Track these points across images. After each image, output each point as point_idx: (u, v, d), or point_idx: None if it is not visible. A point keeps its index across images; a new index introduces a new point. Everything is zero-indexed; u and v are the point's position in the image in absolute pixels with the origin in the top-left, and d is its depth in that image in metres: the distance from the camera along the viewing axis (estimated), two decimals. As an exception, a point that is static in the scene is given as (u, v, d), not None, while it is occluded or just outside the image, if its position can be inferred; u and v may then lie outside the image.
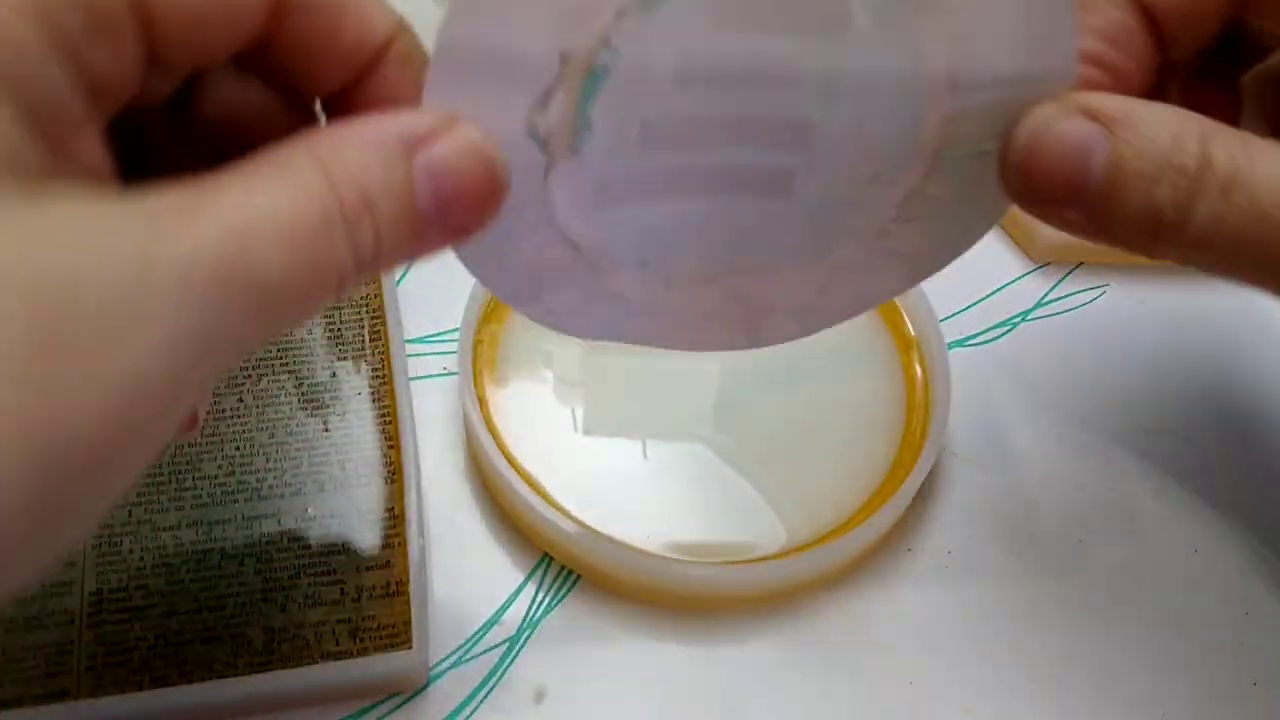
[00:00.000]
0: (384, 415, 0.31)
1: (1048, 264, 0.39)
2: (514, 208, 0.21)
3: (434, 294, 0.36)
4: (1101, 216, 0.22)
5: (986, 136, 0.23)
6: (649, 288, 0.25)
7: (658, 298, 0.25)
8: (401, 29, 0.20)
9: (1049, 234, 0.37)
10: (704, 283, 0.26)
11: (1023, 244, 0.39)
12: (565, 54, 0.21)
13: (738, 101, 0.23)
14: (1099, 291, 0.38)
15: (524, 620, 0.31)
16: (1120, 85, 0.25)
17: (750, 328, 0.27)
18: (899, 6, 0.21)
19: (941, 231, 0.25)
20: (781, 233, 0.25)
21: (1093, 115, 0.22)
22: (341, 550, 0.29)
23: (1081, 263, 0.39)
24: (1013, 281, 0.38)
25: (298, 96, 0.21)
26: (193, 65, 0.19)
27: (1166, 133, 0.22)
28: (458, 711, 0.29)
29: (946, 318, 0.37)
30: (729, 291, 0.26)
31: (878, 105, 0.22)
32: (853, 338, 0.35)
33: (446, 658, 0.30)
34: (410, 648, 0.28)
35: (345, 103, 0.21)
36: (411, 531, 0.30)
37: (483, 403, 0.32)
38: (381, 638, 0.28)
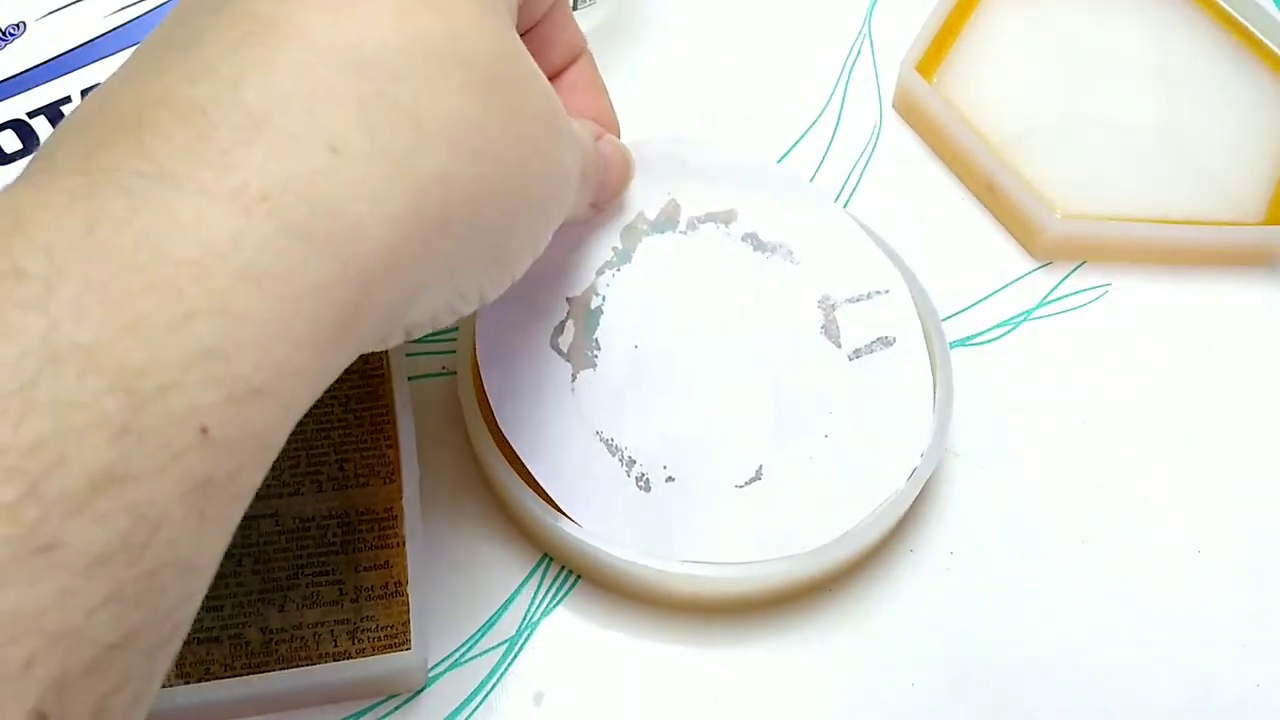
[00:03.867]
0: (382, 414, 0.31)
1: (1050, 263, 0.38)
2: (552, 406, 0.30)
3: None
4: None
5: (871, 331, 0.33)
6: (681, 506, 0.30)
7: (690, 518, 0.30)
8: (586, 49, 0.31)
9: (1052, 232, 0.37)
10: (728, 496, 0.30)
11: (1025, 243, 0.38)
12: (570, 298, 0.32)
13: (696, 327, 0.32)
14: (1101, 290, 0.38)
15: (523, 621, 0.31)
16: None
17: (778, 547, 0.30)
18: (785, 257, 0.34)
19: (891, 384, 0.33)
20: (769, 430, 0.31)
21: None
22: (340, 550, 0.29)
23: (1084, 261, 0.38)
24: (1015, 280, 0.38)
25: None
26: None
27: None
28: (456, 713, 0.29)
29: (949, 317, 0.36)
30: (752, 507, 0.30)
31: (781, 313, 0.33)
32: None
33: (445, 658, 0.30)
34: (409, 648, 0.28)
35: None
36: (410, 532, 0.30)
37: (482, 402, 0.32)
38: (380, 638, 0.28)
